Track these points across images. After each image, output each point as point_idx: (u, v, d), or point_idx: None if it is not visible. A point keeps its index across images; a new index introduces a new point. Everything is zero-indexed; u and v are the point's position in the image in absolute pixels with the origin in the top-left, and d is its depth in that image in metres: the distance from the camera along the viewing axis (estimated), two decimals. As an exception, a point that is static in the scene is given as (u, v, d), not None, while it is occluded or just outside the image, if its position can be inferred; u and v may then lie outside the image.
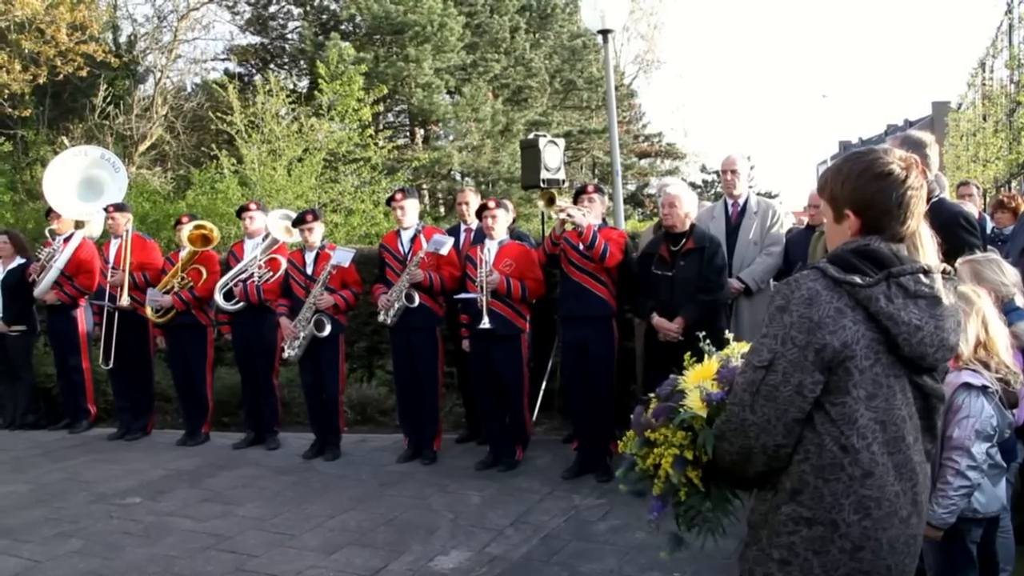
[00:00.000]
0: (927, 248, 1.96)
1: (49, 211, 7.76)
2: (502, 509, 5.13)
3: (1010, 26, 11.34)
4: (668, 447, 2.00)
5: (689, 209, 5.36)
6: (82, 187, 7.73)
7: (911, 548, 1.91)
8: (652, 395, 2.18)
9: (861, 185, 1.91)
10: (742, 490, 2.06)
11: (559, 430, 6.88)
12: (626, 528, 4.66)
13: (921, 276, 1.87)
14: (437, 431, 6.37)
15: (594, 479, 5.59)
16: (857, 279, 1.83)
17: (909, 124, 42.77)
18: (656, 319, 5.26)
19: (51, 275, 7.34)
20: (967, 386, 2.81)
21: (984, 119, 13.86)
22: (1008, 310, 3.14)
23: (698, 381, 2.08)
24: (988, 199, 9.82)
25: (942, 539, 3.00)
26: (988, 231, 6.42)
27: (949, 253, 3.21)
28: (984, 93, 14.16)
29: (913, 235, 1.94)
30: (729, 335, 2.32)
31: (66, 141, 15.33)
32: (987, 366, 2.86)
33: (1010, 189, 10.02)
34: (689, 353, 2.22)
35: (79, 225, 7.66)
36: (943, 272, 1.93)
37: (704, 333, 2.38)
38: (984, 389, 2.81)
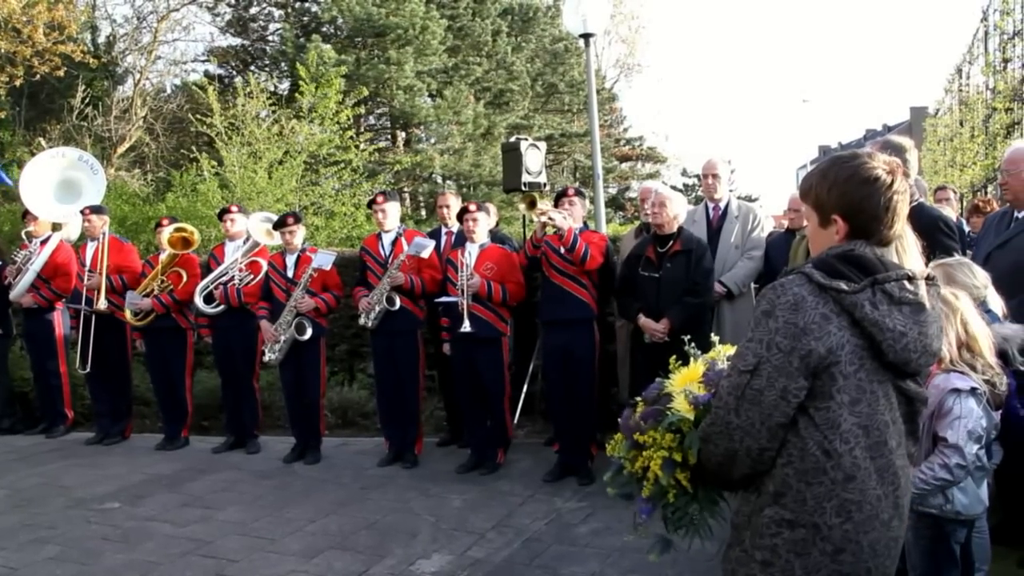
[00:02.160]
0: (911, 252, 1.98)
1: (26, 213, 7.67)
2: (484, 512, 5.12)
3: (986, 33, 11.45)
4: (657, 449, 2.01)
5: (678, 211, 5.38)
6: (59, 189, 7.69)
7: (892, 551, 1.93)
8: (639, 399, 2.19)
9: (849, 190, 1.91)
10: (729, 491, 2.07)
11: (540, 433, 6.89)
12: (608, 531, 4.67)
13: (905, 282, 1.89)
14: (418, 434, 6.35)
15: (576, 482, 5.59)
16: (843, 285, 1.84)
17: (888, 129, 43.19)
18: (642, 320, 5.28)
19: (27, 278, 7.26)
20: (956, 390, 2.83)
21: (961, 124, 13.98)
22: None
23: (685, 384, 2.10)
24: (965, 203, 9.92)
25: (927, 540, 3.03)
26: (966, 235, 6.48)
27: (929, 257, 3.25)
28: (961, 99, 14.28)
29: (898, 239, 1.96)
30: (715, 338, 2.33)
31: (43, 142, 15.18)
32: (973, 368, 2.89)
33: (986, 194, 10.11)
34: (675, 357, 2.23)
35: (56, 227, 7.59)
36: (927, 278, 1.95)
37: (689, 336, 2.39)
38: (973, 391, 2.84)
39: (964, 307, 2.91)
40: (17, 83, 14.90)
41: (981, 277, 3.29)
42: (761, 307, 1.90)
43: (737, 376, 1.89)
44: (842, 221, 1.93)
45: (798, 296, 1.84)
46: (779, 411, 1.84)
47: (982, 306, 3.19)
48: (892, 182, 1.91)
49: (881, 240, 1.93)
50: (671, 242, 5.33)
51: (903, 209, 1.94)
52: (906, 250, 1.97)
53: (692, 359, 2.22)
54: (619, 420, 2.19)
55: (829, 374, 1.84)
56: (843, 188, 1.92)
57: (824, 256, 1.93)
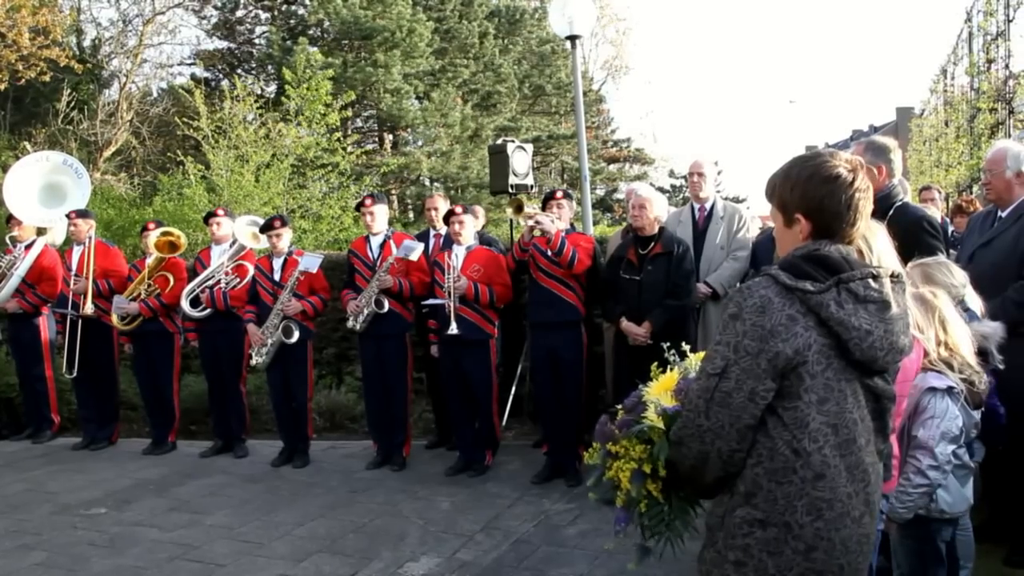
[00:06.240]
0: (878, 248, 2.00)
1: (10, 218, 7.63)
2: (472, 515, 5.13)
3: (970, 34, 11.51)
4: (627, 461, 2.03)
5: (659, 213, 5.40)
6: (44, 193, 7.65)
7: (864, 547, 1.95)
8: (619, 407, 2.20)
9: (811, 189, 1.94)
10: (705, 499, 2.08)
11: (529, 435, 6.90)
12: (596, 533, 4.68)
13: (870, 281, 1.91)
14: (406, 437, 6.35)
15: (564, 484, 5.60)
16: (808, 286, 1.86)
17: (874, 129, 43.30)
18: (624, 323, 5.30)
19: (12, 283, 7.22)
20: (932, 389, 2.85)
21: (946, 124, 14.04)
22: None
23: (660, 392, 2.11)
24: (951, 203, 9.98)
25: (913, 540, 3.05)
26: (950, 235, 6.52)
27: (913, 256, 3.26)
28: (946, 99, 14.34)
29: (862, 237, 1.99)
30: (686, 347, 2.34)
31: (28, 147, 15.07)
32: (950, 366, 2.91)
33: (971, 193, 10.16)
34: (656, 364, 2.25)
35: (41, 232, 7.55)
36: (892, 276, 1.97)
37: (669, 344, 2.41)
38: (949, 390, 2.85)
39: (942, 305, 2.93)
40: (1, 87, 14.79)
41: (959, 276, 3.32)
42: (729, 310, 1.92)
43: (706, 379, 1.91)
44: (805, 220, 1.96)
45: (764, 298, 1.87)
46: (747, 413, 1.86)
47: (961, 305, 3.22)
48: (853, 180, 1.94)
49: (844, 238, 1.96)
50: (652, 244, 5.35)
51: (866, 207, 1.97)
52: (871, 248, 1.99)
53: (672, 366, 2.24)
54: (595, 428, 2.21)
55: (797, 374, 1.86)
56: (805, 187, 1.95)
57: (789, 257, 1.95)
